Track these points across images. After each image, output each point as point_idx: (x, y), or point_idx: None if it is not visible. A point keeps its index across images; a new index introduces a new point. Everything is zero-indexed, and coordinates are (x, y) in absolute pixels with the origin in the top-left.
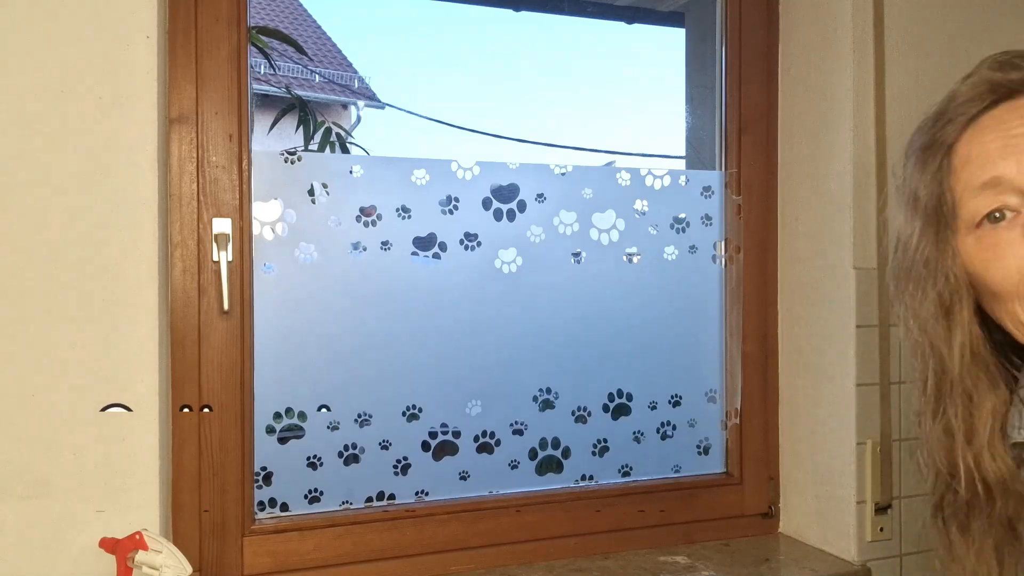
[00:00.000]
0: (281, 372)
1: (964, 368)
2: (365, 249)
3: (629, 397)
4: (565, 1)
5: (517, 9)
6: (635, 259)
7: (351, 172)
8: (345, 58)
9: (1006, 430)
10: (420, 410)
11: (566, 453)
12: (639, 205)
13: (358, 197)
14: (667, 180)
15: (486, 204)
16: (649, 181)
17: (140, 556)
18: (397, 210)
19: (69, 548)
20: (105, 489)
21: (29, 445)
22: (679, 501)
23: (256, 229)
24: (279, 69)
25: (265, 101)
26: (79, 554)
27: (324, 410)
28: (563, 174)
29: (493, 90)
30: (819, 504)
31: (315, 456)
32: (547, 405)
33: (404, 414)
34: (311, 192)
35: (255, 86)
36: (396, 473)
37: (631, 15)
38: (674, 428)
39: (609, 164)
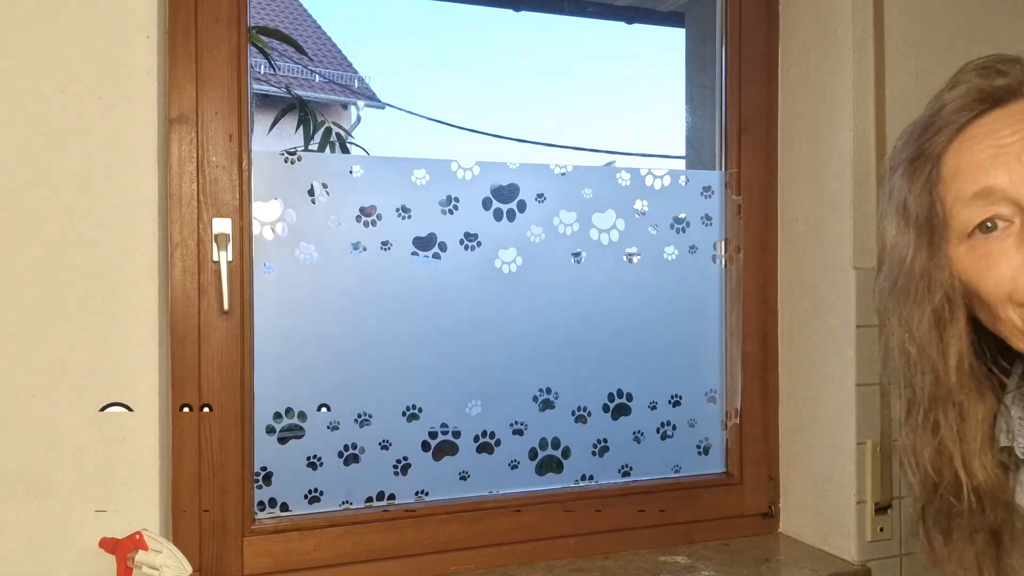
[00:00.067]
0: (281, 372)
1: (957, 378)
2: (365, 249)
3: (629, 397)
4: (565, 1)
5: (517, 9)
6: (635, 259)
7: (351, 172)
8: (345, 58)
9: (995, 436)
10: (420, 410)
11: (566, 453)
12: (639, 205)
13: (358, 197)
14: (667, 180)
15: (486, 204)
16: (649, 181)
17: (140, 556)
18: (397, 210)
19: (69, 548)
20: (105, 489)
21: (29, 445)
22: (679, 501)
23: (256, 229)
24: (279, 69)
25: (265, 101)
26: (79, 554)
27: (324, 410)
28: (563, 174)
29: (493, 90)
30: (819, 504)
31: (315, 456)
32: (547, 405)
33: (404, 414)
34: (311, 192)
35: (255, 86)
36: (396, 473)
37: (631, 15)
38: (674, 428)
39: (609, 164)
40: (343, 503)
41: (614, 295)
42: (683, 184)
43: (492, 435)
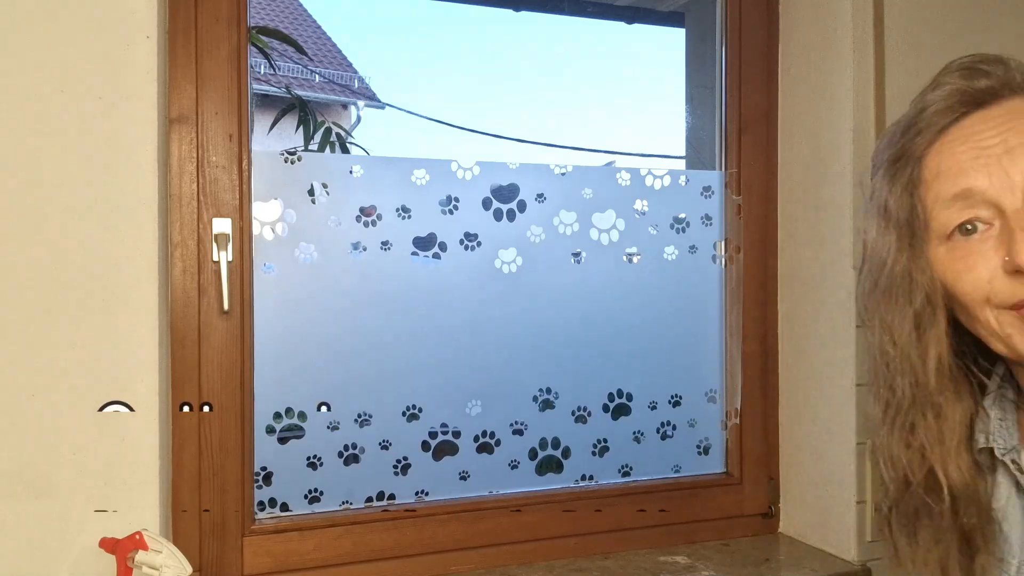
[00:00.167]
0: (281, 372)
1: (936, 380)
2: (365, 249)
3: (629, 397)
4: (565, 1)
5: (517, 9)
6: (635, 259)
7: (351, 172)
8: (345, 58)
9: (973, 438)
10: (420, 410)
11: (566, 453)
12: (639, 205)
13: (358, 197)
14: (667, 180)
15: (486, 204)
16: (649, 181)
17: (140, 556)
18: (397, 210)
19: (69, 548)
20: (105, 489)
21: (29, 445)
22: (679, 501)
23: (256, 229)
24: (279, 69)
25: (265, 101)
26: (79, 554)
27: (324, 410)
28: (563, 174)
29: (493, 90)
30: (819, 504)
31: (315, 456)
32: (547, 405)
33: (404, 414)
34: (311, 192)
35: (255, 86)
36: (396, 473)
37: (631, 15)
38: (674, 428)
39: (609, 164)
40: (343, 503)
41: (614, 295)
42: (683, 184)
43: (492, 435)
